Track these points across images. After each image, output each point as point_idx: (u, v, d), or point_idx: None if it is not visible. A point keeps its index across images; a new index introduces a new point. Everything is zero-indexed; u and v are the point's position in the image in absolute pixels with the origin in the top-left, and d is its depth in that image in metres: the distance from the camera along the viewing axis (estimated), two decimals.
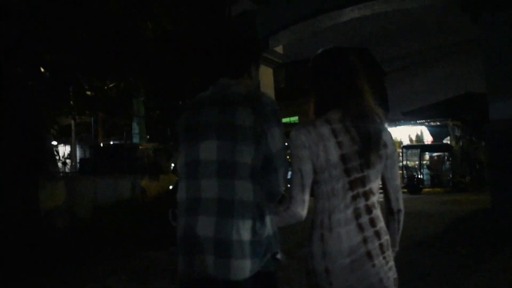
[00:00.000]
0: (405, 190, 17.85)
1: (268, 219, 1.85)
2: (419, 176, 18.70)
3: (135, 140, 16.42)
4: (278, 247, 1.90)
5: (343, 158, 1.80)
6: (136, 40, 8.29)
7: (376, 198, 1.87)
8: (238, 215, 1.79)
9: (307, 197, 1.85)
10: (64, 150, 18.32)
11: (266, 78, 11.59)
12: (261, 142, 1.84)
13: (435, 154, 20.59)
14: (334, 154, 1.80)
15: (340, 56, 1.97)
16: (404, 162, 19.80)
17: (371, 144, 1.84)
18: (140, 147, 12.52)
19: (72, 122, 26.66)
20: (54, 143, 25.23)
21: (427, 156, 20.52)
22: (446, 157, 19.68)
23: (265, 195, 1.86)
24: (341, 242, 1.77)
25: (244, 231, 1.79)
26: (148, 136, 16.55)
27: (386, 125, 1.97)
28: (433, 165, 19.80)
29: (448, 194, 16.73)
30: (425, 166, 19.76)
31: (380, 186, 1.92)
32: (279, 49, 12.04)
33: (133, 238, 8.15)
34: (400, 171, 19.04)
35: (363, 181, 1.82)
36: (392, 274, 1.83)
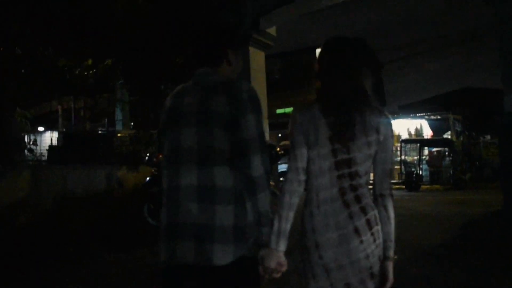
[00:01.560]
0: (403, 186, 17.04)
1: (248, 205, 1.89)
2: (418, 172, 17.75)
3: (118, 127, 15.51)
4: (266, 226, 1.90)
5: (331, 139, 1.92)
6: (104, 11, 7.40)
7: (364, 180, 1.95)
8: (219, 200, 1.84)
9: (300, 164, 1.96)
10: (51, 136, 17.48)
11: (257, 62, 10.52)
12: (235, 128, 1.87)
13: (434, 149, 19.68)
14: (323, 134, 1.93)
15: (345, 47, 2.06)
16: (403, 157, 18.85)
17: (358, 129, 1.92)
18: (119, 134, 11.54)
19: (59, 107, 25.83)
20: (41, 129, 24.29)
21: (426, 151, 19.60)
22: (446, 153, 18.77)
23: (242, 182, 1.89)
24: (327, 218, 1.90)
25: (226, 216, 1.84)
26: (132, 123, 15.61)
27: (383, 113, 2.00)
28: (433, 160, 18.88)
29: (448, 192, 15.78)
30: (424, 162, 18.85)
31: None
32: (271, 30, 10.96)
33: (102, 237, 7.22)
34: (398, 166, 18.33)
35: (348, 163, 1.92)
36: (378, 252, 1.91)
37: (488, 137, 23.93)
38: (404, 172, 17.79)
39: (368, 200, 1.93)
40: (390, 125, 2.02)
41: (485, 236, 7.12)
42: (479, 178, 18.93)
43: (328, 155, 1.92)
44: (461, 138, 19.98)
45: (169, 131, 2.01)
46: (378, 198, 1.99)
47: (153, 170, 8.37)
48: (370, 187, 2.01)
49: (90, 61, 10.08)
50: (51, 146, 12.47)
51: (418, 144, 19.00)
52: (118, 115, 15.73)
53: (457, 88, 33.44)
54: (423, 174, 18.34)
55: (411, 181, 17.00)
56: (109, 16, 7.89)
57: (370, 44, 2.18)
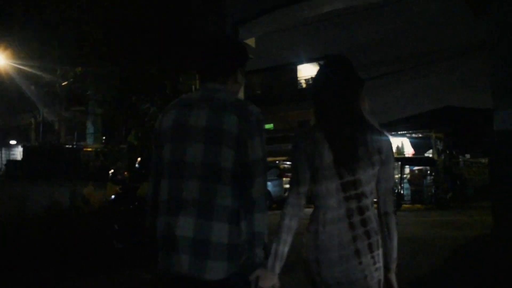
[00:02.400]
0: None
1: (243, 225, 1.92)
2: (400, 191, 17.35)
3: (89, 141, 14.76)
4: (258, 247, 1.90)
5: (335, 162, 1.98)
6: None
7: (370, 200, 2.01)
8: (217, 218, 1.89)
9: (302, 189, 2.05)
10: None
11: None
12: (242, 149, 1.91)
13: (415, 168, 19.37)
14: (327, 158, 1.99)
15: (341, 67, 2.09)
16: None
17: (361, 151, 1.97)
18: (86, 148, 10.82)
19: (33, 120, 24.91)
20: (13, 142, 23.25)
21: (407, 169, 19.26)
22: (428, 171, 18.46)
23: (242, 202, 1.92)
24: (332, 238, 1.95)
25: (222, 233, 1.88)
26: (104, 137, 14.86)
27: (382, 132, 2.04)
28: (414, 179, 18.54)
29: (431, 212, 15.41)
30: (405, 180, 18.49)
31: None
32: (251, 41, 10.39)
33: (61, 261, 6.51)
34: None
35: (354, 184, 1.97)
36: (378, 275, 1.96)
37: (468, 156, 23.86)
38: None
39: (373, 224, 1.98)
40: (390, 144, 2.07)
41: (477, 263, 6.62)
42: (460, 197, 18.70)
43: (333, 177, 1.98)
44: (443, 157, 19.72)
45: (172, 143, 2.02)
46: (382, 216, 2.02)
47: (118, 188, 7.71)
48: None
49: (58, 70, 9.44)
50: (9, 161, 11.66)
51: (400, 163, 18.65)
52: (90, 128, 14.98)
53: (437, 107, 33.62)
54: (404, 193, 17.96)
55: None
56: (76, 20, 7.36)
57: (351, 61, 2.15)
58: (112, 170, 7.91)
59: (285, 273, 2.01)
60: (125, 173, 7.37)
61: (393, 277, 2.03)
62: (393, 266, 2.02)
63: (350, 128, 1.99)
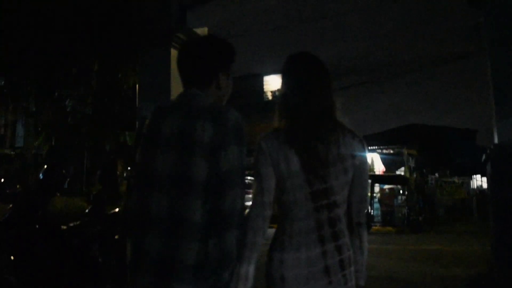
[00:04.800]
0: None
1: (214, 242, 1.75)
2: (370, 211, 15.87)
3: (19, 144, 12.86)
4: (227, 270, 1.76)
5: (304, 168, 1.80)
6: None
7: (342, 211, 1.86)
8: (185, 236, 1.75)
9: (267, 199, 1.84)
10: None
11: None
12: (215, 159, 1.77)
13: (386, 186, 18.03)
14: (295, 163, 1.81)
15: (310, 64, 1.96)
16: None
17: (334, 156, 1.82)
18: None
19: None
20: None
21: (377, 188, 17.88)
22: (400, 191, 17.14)
23: (215, 216, 1.76)
24: (299, 251, 1.79)
25: (189, 253, 1.74)
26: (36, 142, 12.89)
27: (355, 134, 1.90)
28: (385, 199, 17.18)
29: (404, 236, 13.90)
30: (376, 200, 17.08)
31: None
32: (202, 31, 8.75)
33: None
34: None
35: (326, 193, 1.81)
36: None
37: (437, 175, 23.01)
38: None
39: (345, 239, 1.85)
40: (364, 147, 1.92)
41: None
42: (432, 219, 17.54)
43: (302, 185, 1.82)
44: (414, 176, 18.49)
45: (144, 154, 1.94)
46: (355, 227, 1.92)
47: (9, 208, 5.85)
48: None
49: None
50: None
51: (370, 180, 17.20)
52: (20, 129, 13.03)
53: (402, 125, 33.17)
54: (374, 213, 16.56)
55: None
56: None
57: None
58: None
59: None
60: (17, 186, 5.53)
61: None
62: (363, 282, 1.91)
63: (320, 130, 1.84)
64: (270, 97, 30.55)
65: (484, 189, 26.12)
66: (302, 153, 1.80)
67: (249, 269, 1.78)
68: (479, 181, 29.74)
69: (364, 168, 1.89)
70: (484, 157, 6.68)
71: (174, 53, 8.14)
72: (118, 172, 11.92)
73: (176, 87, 8.37)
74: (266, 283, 1.85)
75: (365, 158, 1.90)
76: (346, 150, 1.83)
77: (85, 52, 7.49)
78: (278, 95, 1.99)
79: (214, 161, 1.76)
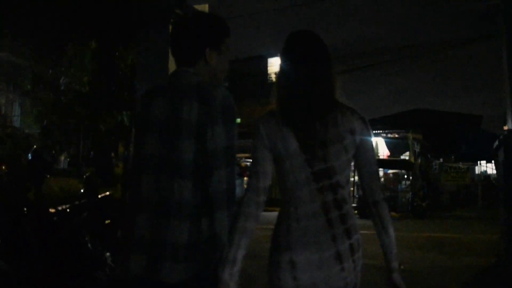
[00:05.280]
0: (356, 212, 14.86)
1: (206, 222, 1.74)
2: None
3: (16, 124, 12.55)
4: (218, 250, 1.74)
5: (303, 148, 1.76)
6: None
7: (347, 191, 1.82)
8: (175, 216, 1.74)
9: (261, 184, 1.79)
10: None
11: None
12: (202, 138, 1.74)
13: (390, 171, 17.73)
14: (292, 143, 1.77)
15: (309, 42, 1.88)
16: (356, 178, 16.72)
17: (333, 135, 1.76)
18: None
19: None
20: None
21: (381, 172, 17.59)
22: (405, 176, 16.85)
23: (202, 197, 1.75)
24: (307, 235, 1.73)
25: (180, 233, 1.73)
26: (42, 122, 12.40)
27: (354, 110, 1.84)
28: (389, 184, 16.90)
29: (408, 222, 13.70)
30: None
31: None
32: (203, 8, 8.41)
33: None
34: (352, 188, 16.26)
35: (327, 173, 1.76)
36: (355, 280, 1.77)
37: (441, 160, 22.68)
38: (357, 195, 15.63)
39: (353, 220, 1.79)
40: (366, 123, 1.84)
41: None
42: (436, 205, 17.25)
43: (302, 166, 1.77)
44: (419, 160, 18.17)
45: (136, 137, 1.93)
46: (372, 206, 1.82)
47: None
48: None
49: None
50: None
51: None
52: (16, 110, 12.73)
53: (407, 109, 32.79)
54: None
55: (365, 206, 14.77)
56: None
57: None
58: None
59: None
60: (3, 167, 5.29)
61: (398, 279, 1.79)
62: (396, 264, 1.79)
63: (317, 109, 1.77)
64: (274, 79, 30.31)
65: (489, 175, 25.81)
66: (299, 132, 1.75)
67: (238, 254, 1.73)
68: (483, 167, 29.39)
69: (367, 145, 1.82)
70: (496, 143, 6.41)
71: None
72: (113, 154, 11.66)
73: (174, 66, 8.08)
74: (268, 272, 1.80)
75: (367, 135, 1.83)
76: (344, 127, 1.77)
77: (81, 28, 7.14)
78: (277, 75, 1.92)
79: (201, 141, 1.73)
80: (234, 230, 1.75)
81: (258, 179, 1.78)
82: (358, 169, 1.82)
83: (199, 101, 1.75)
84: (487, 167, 28.50)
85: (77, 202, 5.51)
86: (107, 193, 5.57)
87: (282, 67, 1.89)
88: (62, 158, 15.60)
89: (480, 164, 29.78)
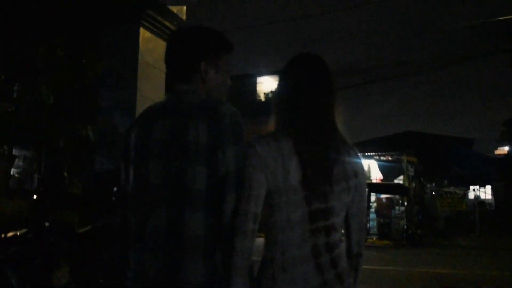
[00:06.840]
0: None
1: (219, 257, 1.61)
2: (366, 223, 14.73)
3: None
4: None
5: (305, 182, 1.60)
6: None
7: (339, 235, 1.68)
8: (189, 253, 1.59)
9: (252, 208, 1.56)
10: None
11: (152, 53, 6.78)
12: (214, 162, 1.62)
13: (383, 196, 16.85)
14: (295, 176, 1.60)
15: (317, 66, 1.78)
16: None
17: (338, 171, 1.64)
18: None
19: None
20: None
21: (373, 197, 16.68)
22: (398, 201, 16.02)
23: (219, 227, 1.59)
24: (296, 285, 1.57)
25: (194, 272, 1.60)
26: None
27: (357, 152, 1.76)
28: (382, 210, 16.01)
29: (401, 250, 12.80)
30: (372, 210, 15.90)
31: None
32: (179, 11, 7.42)
33: None
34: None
35: (325, 214, 1.62)
36: None
37: (433, 184, 22.00)
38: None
39: (345, 264, 1.67)
40: (363, 167, 1.78)
41: None
42: (431, 232, 16.43)
43: (300, 203, 1.59)
44: (413, 185, 17.35)
45: (135, 165, 1.74)
46: (354, 258, 1.74)
47: None
48: None
49: None
50: None
51: (367, 189, 16.02)
52: None
53: (399, 132, 32.50)
54: (371, 225, 15.38)
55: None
56: None
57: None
58: None
59: None
60: None
61: None
62: None
63: (324, 143, 1.64)
64: (263, 99, 29.93)
65: (483, 201, 25.15)
66: (308, 165, 1.60)
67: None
68: (476, 191, 28.78)
69: (364, 190, 1.75)
70: None
71: (144, 33, 6.86)
72: (66, 173, 10.68)
73: (144, 73, 7.12)
74: None
75: (364, 178, 1.76)
76: (351, 168, 1.67)
77: (36, 30, 6.23)
78: (275, 97, 1.79)
79: (212, 165, 1.61)
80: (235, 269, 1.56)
81: (249, 203, 1.56)
82: (350, 216, 1.70)
83: (206, 120, 1.64)
84: (480, 192, 27.86)
85: (13, 233, 4.49)
86: (46, 223, 4.53)
87: (283, 90, 1.78)
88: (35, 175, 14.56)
89: (473, 188, 29.22)
